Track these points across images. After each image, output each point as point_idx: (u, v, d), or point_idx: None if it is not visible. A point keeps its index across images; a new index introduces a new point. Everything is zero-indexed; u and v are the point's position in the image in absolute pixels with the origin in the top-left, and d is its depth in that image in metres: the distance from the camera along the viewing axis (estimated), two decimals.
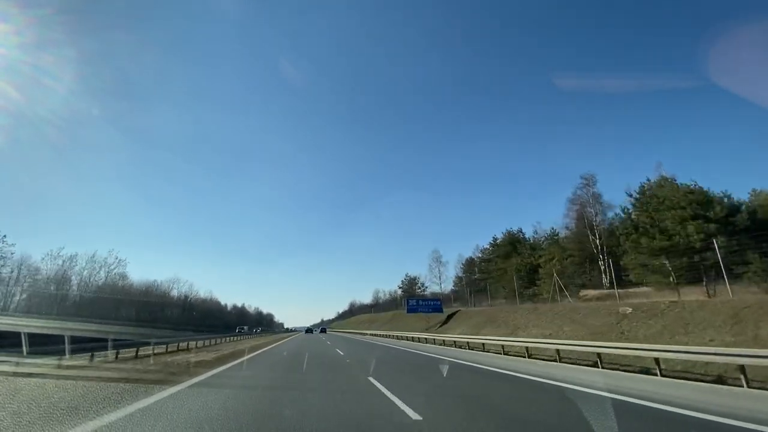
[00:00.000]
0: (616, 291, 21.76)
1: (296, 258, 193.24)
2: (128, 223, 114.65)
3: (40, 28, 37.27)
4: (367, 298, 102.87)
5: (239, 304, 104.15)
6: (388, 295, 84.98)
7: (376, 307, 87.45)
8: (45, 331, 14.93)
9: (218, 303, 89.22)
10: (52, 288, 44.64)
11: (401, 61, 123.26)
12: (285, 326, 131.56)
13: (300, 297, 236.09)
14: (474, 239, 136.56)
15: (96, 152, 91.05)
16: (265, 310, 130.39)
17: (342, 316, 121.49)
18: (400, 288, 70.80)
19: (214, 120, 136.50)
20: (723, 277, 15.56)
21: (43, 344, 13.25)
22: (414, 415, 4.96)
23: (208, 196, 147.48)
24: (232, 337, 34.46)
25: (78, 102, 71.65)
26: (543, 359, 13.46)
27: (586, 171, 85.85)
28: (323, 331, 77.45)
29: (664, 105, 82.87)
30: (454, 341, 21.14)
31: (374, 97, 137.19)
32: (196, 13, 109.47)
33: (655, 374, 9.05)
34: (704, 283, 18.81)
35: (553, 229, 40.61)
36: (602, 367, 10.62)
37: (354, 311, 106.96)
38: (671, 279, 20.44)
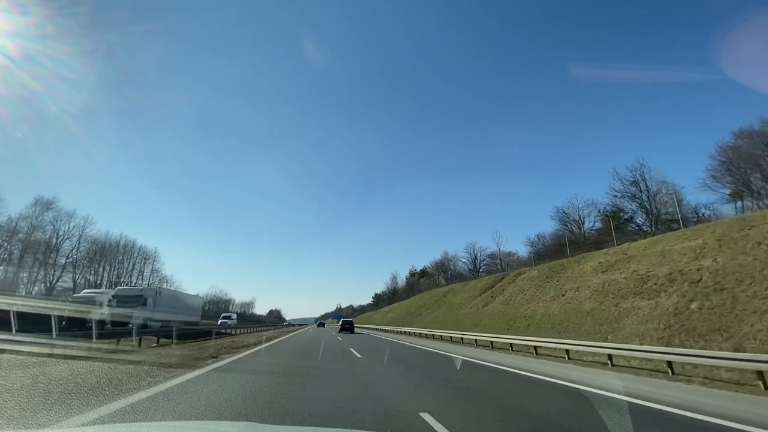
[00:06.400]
0: None
1: (298, 248, 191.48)
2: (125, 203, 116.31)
3: (58, 20, 39.44)
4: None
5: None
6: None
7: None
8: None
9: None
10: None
11: (419, 47, 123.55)
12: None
13: (307, 288, 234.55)
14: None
15: (110, 142, 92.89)
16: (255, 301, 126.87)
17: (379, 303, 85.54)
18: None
19: (223, 107, 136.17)
20: None
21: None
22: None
23: (212, 183, 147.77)
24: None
25: (95, 92, 73.93)
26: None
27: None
28: (346, 328, 35.89)
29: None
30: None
31: (388, 82, 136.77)
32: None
33: None
34: None
35: None
36: None
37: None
38: None
